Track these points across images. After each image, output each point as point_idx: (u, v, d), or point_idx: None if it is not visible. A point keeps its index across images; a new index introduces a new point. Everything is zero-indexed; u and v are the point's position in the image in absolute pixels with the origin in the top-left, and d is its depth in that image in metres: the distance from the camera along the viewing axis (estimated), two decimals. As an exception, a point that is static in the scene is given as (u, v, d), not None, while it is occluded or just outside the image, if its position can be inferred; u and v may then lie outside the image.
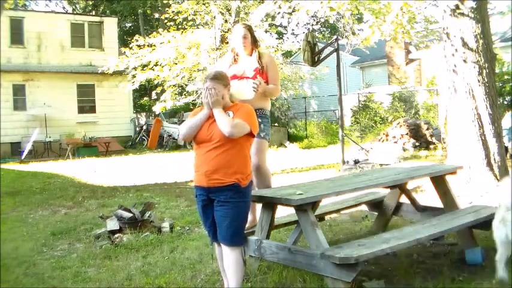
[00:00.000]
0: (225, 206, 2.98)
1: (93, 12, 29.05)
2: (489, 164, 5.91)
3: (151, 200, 6.62)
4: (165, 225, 5.29)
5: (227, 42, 12.42)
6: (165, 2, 15.42)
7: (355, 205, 4.85)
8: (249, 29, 4.18)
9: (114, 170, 11.76)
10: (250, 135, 3.08)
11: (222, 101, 3.07)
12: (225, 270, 3.19)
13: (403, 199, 4.65)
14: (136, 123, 21.63)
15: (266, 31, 15.07)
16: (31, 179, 10.69)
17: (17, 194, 8.58)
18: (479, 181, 5.91)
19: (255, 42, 4.16)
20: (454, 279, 3.39)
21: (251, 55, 4.12)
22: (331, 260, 2.96)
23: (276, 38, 21.18)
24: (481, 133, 5.93)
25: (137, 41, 12.50)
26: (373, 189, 4.45)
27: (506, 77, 11.89)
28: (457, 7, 6.00)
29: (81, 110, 18.93)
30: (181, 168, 10.71)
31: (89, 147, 16.89)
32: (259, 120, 4.05)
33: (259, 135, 4.03)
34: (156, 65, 12.26)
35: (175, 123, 19.83)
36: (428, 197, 5.29)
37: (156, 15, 26.74)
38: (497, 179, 5.85)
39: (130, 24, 32.12)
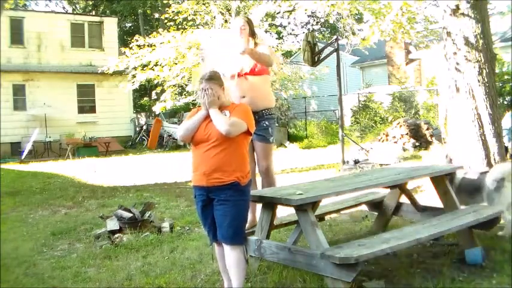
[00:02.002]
0: (225, 205, 2.98)
1: (93, 12, 29.04)
2: (489, 164, 5.90)
3: (151, 200, 6.62)
4: (165, 225, 5.29)
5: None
6: (165, 2, 15.43)
7: (355, 205, 4.85)
8: (248, 21, 4.21)
9: (114, 170, 11.76)
10: (247, 133, 3.10)
11: (218, 101, 3.09)
12: (225, 270, 3.19)
13: (403, 199, 4.65)
14: (136, 123, 21.62)
15: (266, 31, 15.06)
16: (31, 179, 10.69)
17: (17, 194, 8.58)
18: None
19: (252, 35, 4.20)
20: (454, 279, 3.39)
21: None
22: (331, 260, 2.96)
23: (276, 38, 21.19)
24: (481, 133, 5.92)
25: (137, 41, 12.50)
26: (373, 189, 4.45)
27: (506, 77, 11.88)
28: (457, 7, 6.00)
29: (81, 110, 18.93)
30: (181, 168, 10.71)
31: (89, 147, 16.89)
32: (267, 124, 4.09)
33: (268, 140, 4.09)
34: (156, 65, 12.26)
35: (175, 123, 19.83)
36: (428, 197, 5.28)
37: (156, 15, 26.74)
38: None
39: (130, 24, 32.12)
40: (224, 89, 3.19)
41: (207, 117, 3.08)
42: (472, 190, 4.48)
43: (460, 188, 4.51)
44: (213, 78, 3.13)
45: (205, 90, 3.08)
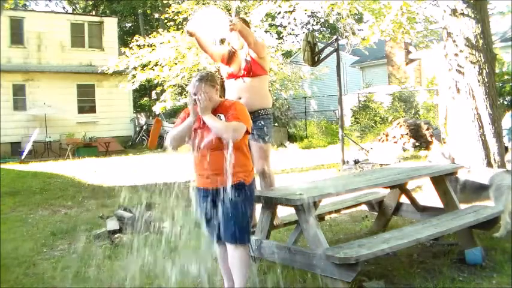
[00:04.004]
0: (230, 205, 2.96)
1: (93, 12, 29.06)
2: (489, 164, 5.91)
3: (151, 200, 6.61)
4: (165, 225, 5.28)
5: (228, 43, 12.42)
6: (165, 2, 15.44)
7: (355, 205, 4.85)
8: (244, 22, 4.15)
9: (114, 170, 11.76)
10: (246, 132, 3.05)
11: (211, 105, 3.00)
12: (225, 270, 3.18)
13: (403, 199, 4.65)
14: (136, 123, 21.62)
15: (266, 31, 15.07)
16: (31, 179, 10.68)
17: (17, 194, 8.57)
18: (479, 181, 5.90)
19: None
20: (454, 279, 3.39)
21: (242, 48, 4.11)
22: (331, 260, 2.96)
23: (276, 38, 21.21)
24: (481, 133, 5.93)
25: (137, 41, 12.49)
26: (373, 189, 4.45)
27: (506, 77, 11.89)
28: (457, 7, 6.00)
29: (81, 110, 18.94)
30: (181, 168, 10.70)
31: (89, 147, 16.90)
32: (262, 123, 4.04)
33: (264, 139, 4.04)
34: (156, 65, 12.25)
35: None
36: (428, 197, 5.29)
37: (156, 15, 26.74)
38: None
39: (130, 24, 32.11)
40: (217, 89, 3.09)
41: (202, 125, 3.01)
42: (478, 188, 4.50)
43: (466, 186, 4.53)
44: (207, 78, 3.04)
45: (198, 95, 2.97)
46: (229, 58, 4.13)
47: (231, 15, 13.02)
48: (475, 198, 4.52)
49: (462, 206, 4.22)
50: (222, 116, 3.01)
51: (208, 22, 3.82)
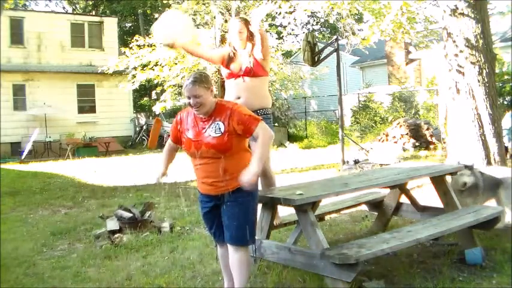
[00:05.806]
0: (233, 207, 2.94)
1: (93, 12, 29.07)
2: (489, 164, 5.92)
3: (151, 200, 6.61)
4: (165, 225, 5.29)
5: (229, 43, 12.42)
6: (165, 2, 15.42)
7: (355, 205, 4.85)
8: (245, 23, 4.12)
9: (114, 170, 11.76)
10: (247, 134, 2.96)
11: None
12: (226, 270, 3.18)
13: (403, 199, 4.65)
14: (136, 123, 21.62)
15: (266, 31, 15.05)
16: (31, 179, 10.69)
17: (17, 194, 8.58)
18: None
19: (251, 36, 4.07)
20: (454, 279, 3.39)
21: (245, 48, 4.10)
22: (331, 260, 2.96)
23: (276, 38, 21.19)
24: (481, 133, 5.93)
25: (137, 41, 12.50)
26: (373, 189, 4.45)
27: (506, 77, 11.89)
28: (457, 7, 6.00)
29: (81, 110, 18.94)
30: (181, 168, 10.69)
31: (89, 147, 16.90)
32: None
33: None
34: (156, 65, 12.26)
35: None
36: (428, 197, 5.29)
37: (156, 15, 26.68)
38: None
39: (130, 24, 32.09)
40: (212, 90, 2.97)
41: (198, 133, 2.97)
42: (494, 186, 4.52)
43: (484, 185, 4.53)
44: (198, 81, 2.89)
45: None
46: (230, 60, 4.12)
47: (230, 15, 13.03)
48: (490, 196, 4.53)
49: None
50: (221, 124, 2.90)
51: (175, 25, 3.78)
